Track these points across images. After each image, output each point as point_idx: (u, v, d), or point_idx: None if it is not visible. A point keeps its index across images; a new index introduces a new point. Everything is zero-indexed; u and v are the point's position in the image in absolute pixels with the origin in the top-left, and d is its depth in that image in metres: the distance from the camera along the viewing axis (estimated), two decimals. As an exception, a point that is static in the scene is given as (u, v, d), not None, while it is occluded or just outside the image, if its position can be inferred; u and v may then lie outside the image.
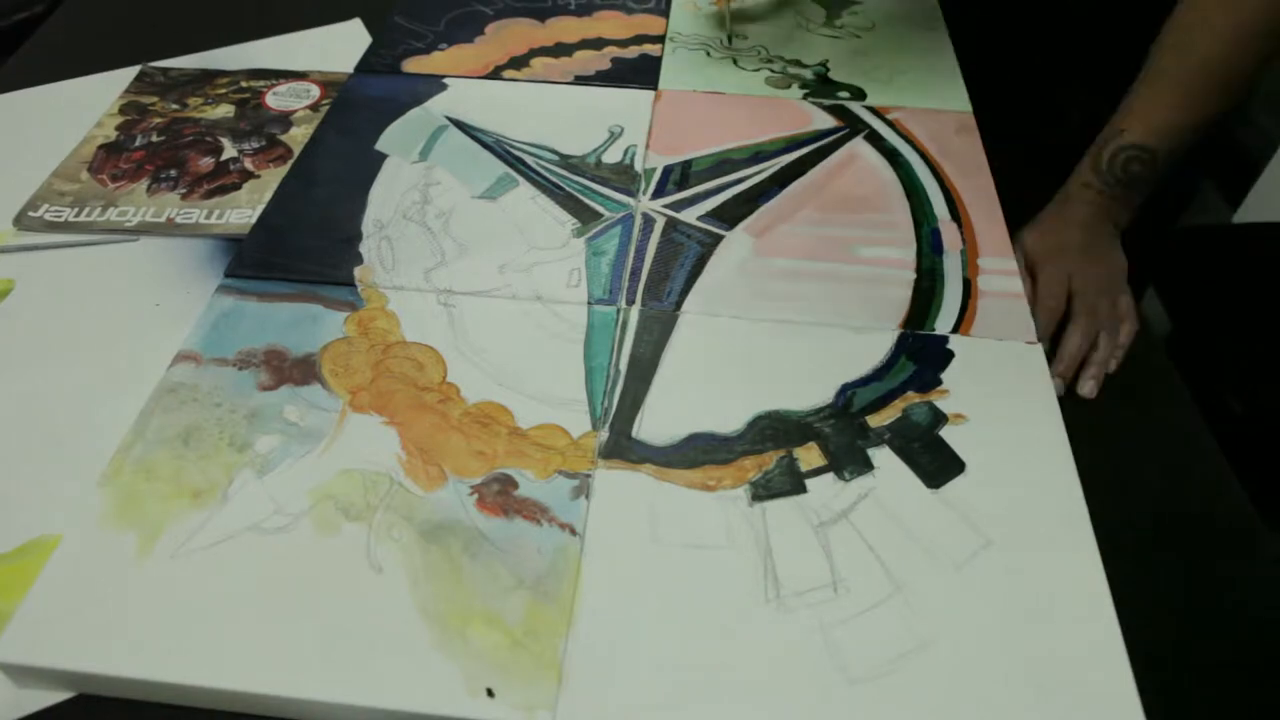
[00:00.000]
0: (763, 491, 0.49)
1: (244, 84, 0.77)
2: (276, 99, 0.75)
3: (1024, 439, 0.51)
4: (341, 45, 0.82)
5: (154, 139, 0.71)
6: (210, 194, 0.66)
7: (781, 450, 0.51)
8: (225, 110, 0.74)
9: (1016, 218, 0.65)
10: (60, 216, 0.64)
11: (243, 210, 0.65)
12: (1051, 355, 0.58)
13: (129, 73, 0.78)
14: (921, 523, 0.48)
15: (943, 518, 0.48)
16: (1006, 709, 0.41)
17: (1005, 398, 0.53)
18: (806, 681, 0.42)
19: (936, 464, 0.50)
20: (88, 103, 0.75)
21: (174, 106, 0.75)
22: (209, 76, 0.78)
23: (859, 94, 0.76)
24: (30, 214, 0.64)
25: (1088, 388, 0.58)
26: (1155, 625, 0.45)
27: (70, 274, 0.61)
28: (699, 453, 0.50)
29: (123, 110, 0.74)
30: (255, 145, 0.71)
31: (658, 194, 0.66)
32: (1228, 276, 0.78)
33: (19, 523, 0.47)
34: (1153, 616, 0.47)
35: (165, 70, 0.79)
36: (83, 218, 0.64)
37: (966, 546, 0.47)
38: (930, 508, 0.48)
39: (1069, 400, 0.56)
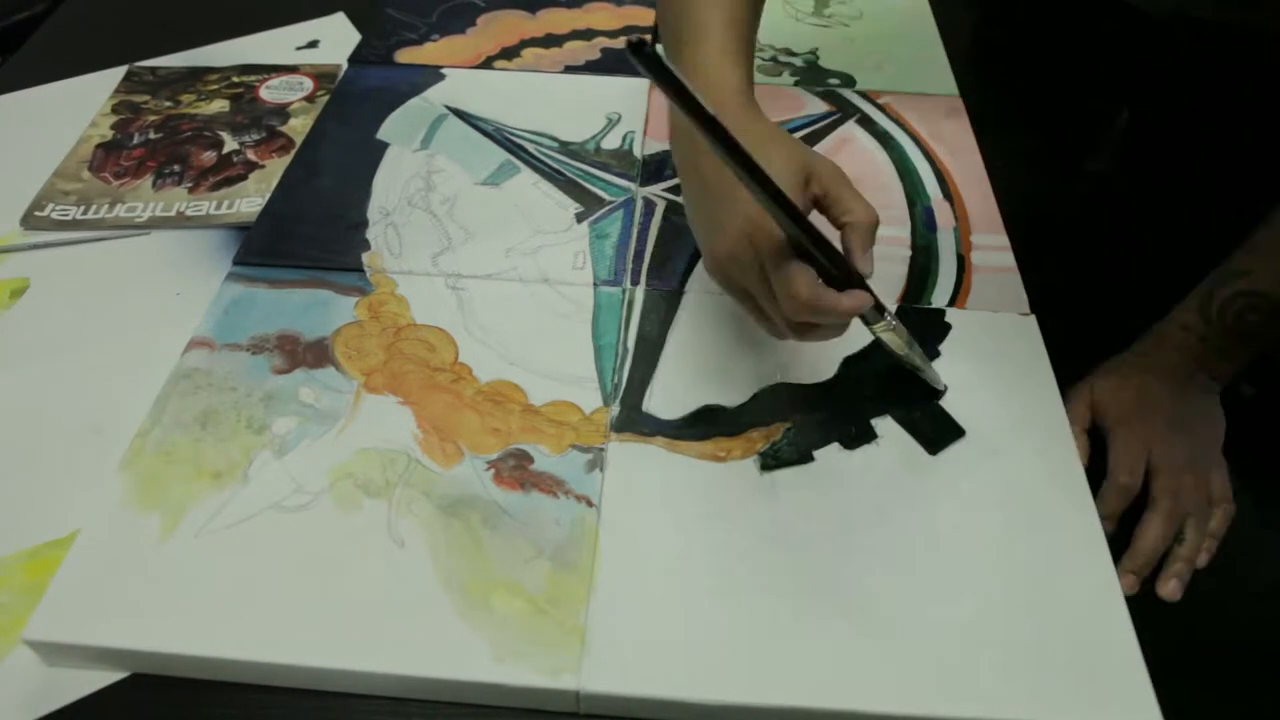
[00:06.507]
0: (771, 461, 0.50)
1: (235, 79, 0.77)
2: (270, 92, 0.76)
3: (1020, 406, 0.53)
4: (328, 38, 0.83)
5: (152, 136, 0.71)
6: (217, 185, 0.67)
7: (788, 422, 0.52)
8: (220, 105, 0.75)
9: (1006, 198, 0.66)
10: (67, 215, 0.64)
11: (253, 199, 0.66)
12: (1118, 539, 0.49)
13: (116, 73, 0.78)
14: (923, 488, 0.49)
15: (944, 483, 0.49)
16: (1009, 672, 0.43)
17: (1001, 367, 0.55)
18: (817, 640, 0.43)
19: (937, 431, 0.52)
20: (79, 103, 0.74)
21: (167, 104, 0.75)
22: (197, 74, 0.78)
23: (849, 80, 0.78)
24: (37, 214, 0.64)
25: (1170, 588, 0.48)
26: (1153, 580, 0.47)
27: (83, 269, 0.61)
28: (708, 425, 0.51)
29: (115, 110, 0.74)
30: (256, 137, 0.71)
31: (658, 179, 0.67)
32: None
33: (61, 513, 0.48)
34: (1152, 577, 0.49)
35: (153, 69, 0.79)
36: (90, 215, 0.64)
37: (967, 511, 0.48)
38: (931, 473, 0.50)
39: (1062, 371, 0.55)
